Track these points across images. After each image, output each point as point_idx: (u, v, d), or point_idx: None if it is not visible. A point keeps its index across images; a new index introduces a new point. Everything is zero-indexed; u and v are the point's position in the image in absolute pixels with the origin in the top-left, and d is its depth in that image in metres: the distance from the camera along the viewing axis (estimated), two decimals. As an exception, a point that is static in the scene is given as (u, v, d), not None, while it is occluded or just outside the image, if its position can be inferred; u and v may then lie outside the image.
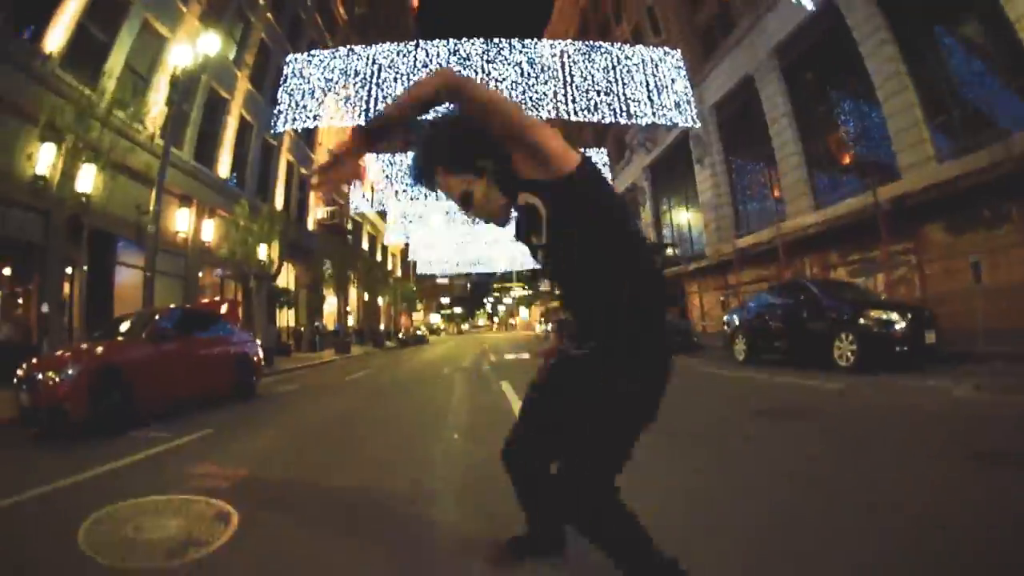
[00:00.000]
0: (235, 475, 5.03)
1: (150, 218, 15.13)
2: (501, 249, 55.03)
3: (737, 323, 15.20)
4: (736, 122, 29.04)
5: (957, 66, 17.11)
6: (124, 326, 10.47)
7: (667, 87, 27.47)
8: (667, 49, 28.52)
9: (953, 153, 16.64)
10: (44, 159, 13.79)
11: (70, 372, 7.86)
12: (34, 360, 8.82)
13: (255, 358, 12.76)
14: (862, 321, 11.11)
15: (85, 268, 15.78)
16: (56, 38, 15.60)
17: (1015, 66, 14.81)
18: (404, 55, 26.99)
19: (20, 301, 15.28)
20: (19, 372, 8.28)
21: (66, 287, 15.74)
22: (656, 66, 27.67)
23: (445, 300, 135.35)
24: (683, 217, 36.19)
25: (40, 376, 7.84)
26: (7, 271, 15.10)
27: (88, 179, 13.65)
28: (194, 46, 16.15)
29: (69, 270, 15.73)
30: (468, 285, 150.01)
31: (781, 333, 13.43)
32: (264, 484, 4.76)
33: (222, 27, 23.43)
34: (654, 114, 27.18)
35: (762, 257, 24.75)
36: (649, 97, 27.30)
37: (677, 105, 27.37)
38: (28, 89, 14.46)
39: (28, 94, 14.36)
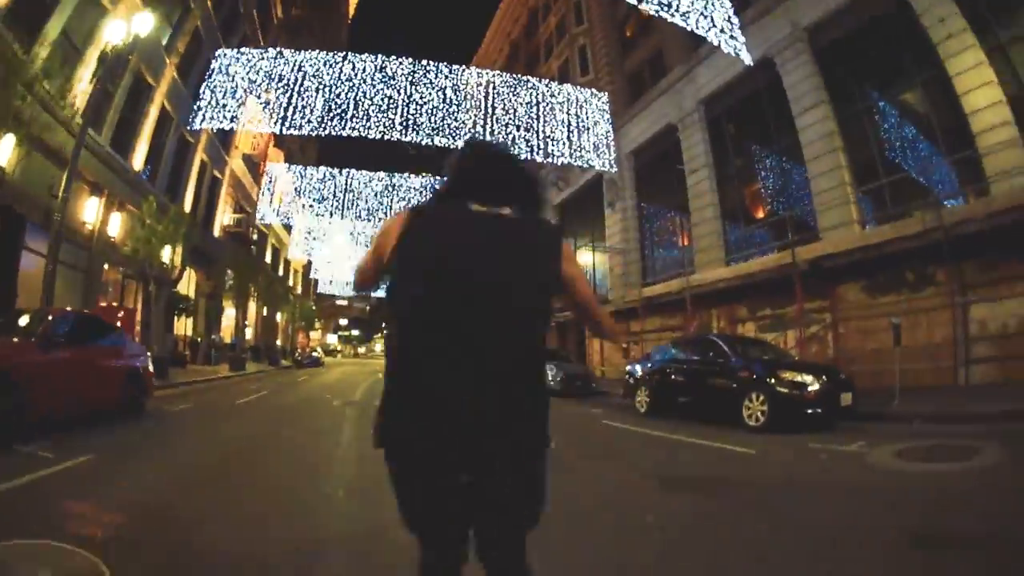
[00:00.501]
0: (113, 520, 4.52)
1: (58, 204, 14.10)
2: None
3: (640, 374, 14.83)
4: (652, 169, 29.58)
5: (890, 132, 17.74)
6: (23, 320, 9.78)
7: (588, 129, 27.53)
8: (595, 91, 28.63)
9: (878, 218, 17.29)
10: None
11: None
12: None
13: (147, 374, 12.13)
14: (773, 382, 10.85)
15: None
16: None
17: (956, 138, 15.39)
18: (331, 66, 26.29)
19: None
20: None
21: None
22: (581, 106, 27.78)
23: (344, 321, 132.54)
24: (588, 259, 36.17)
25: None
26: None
27: (6, 149, 12.72)
28: (129, 23, 15.31)
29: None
30: (368, 308, 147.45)
31: (687, 388, 13.15)
32: (141, 536, 4.23)
33: (162, 7, 22.47)
34: (571, 154, 27.14)
35: (668, 306, 24.89)
36: (568, 137, 27.32)
37: (596, 147, 27.56)
38: None
39: None
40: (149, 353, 13.24)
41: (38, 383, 8.21)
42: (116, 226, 21.48)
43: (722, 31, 19.27)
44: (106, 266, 22.05)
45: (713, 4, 19.45)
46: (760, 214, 23.01)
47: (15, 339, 8.81)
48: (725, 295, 21.54)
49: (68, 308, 12.77)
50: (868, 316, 16.53)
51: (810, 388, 10.60)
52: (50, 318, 9.57)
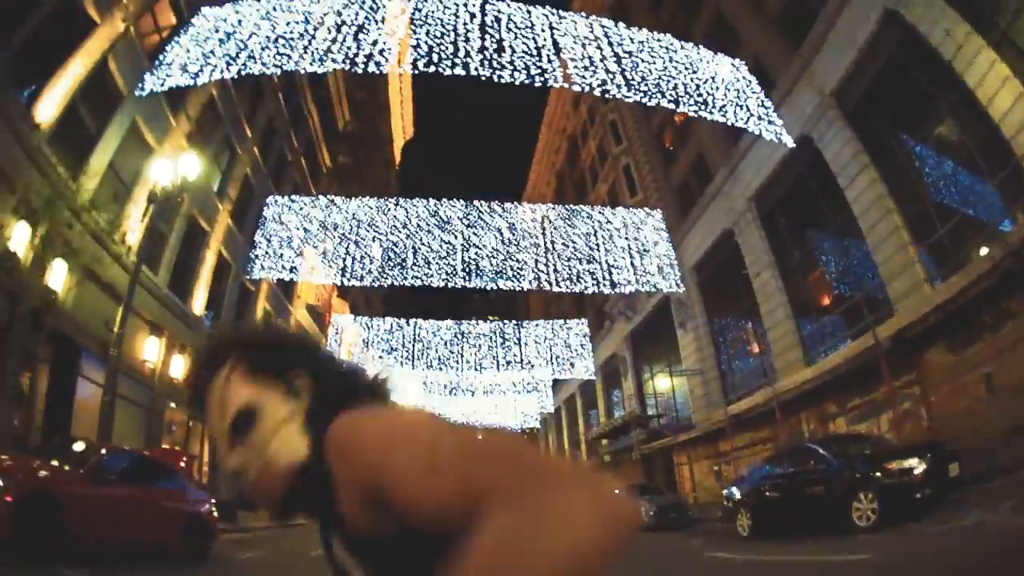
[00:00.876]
0: None
1: (114, 338, 14.16)
2: (483, 420, 53.71)
3: (738, 496, 14.47)
4: (717, 281, 28.94)
5: (934, 174, 17.18)
6: (78, 446, 10.06)
7: (648, 251, 27.00)
8: (648, 210, 28.36)
9: (945, 270, 16.25)
10: (17, 237, 13.12)
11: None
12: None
13: (210, 519, 12.15)
14: (879, 475, 10.41)
15: (48, 371, 14.95)
16: (48, 110, 14.94)
17: (993, 155, 14.76)
18: (384, 212, 26.69)
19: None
20: None
21: (26, 382, 14.40)
22: (638, 228, 27.35)
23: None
24: (666, 384, 34.92)
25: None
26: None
27: (59, 276, 13.40)
28: (176, 165, 15.75)
29: (30, 365, 14.55)
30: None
31: (789, 503, 12.70)
32: None
33: (208, 153, 23.15)
34: (637, 280, 26.53)
35: (756, 419, 23.61)
36: (631, 263, 26.76)
37: (660, 269, 26.92)
38: (13, 152, 13.68)
39: (11, 158, 13.62)
40: (213, 499, 13.27)
41: (85, 513, 8.37)
42: (179, 368, 21.75)
43: (759, 118, 19.11)
44: (172, 404, 22.07)
45: (745, 92, 19.39)
46: (830, 301, 22.08)
47: (67, 467, 8.93)
48: (811, 396, 20.24)
49: (126, 447, 12.77)
50: (957, 374, 15.21)
51: (916, 471, 10.07)
52: (103, 452, 9.70)
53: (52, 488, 8.10)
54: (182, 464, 14.03)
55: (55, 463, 8.90)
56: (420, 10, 18.48)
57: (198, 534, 11.31)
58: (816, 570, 8.14)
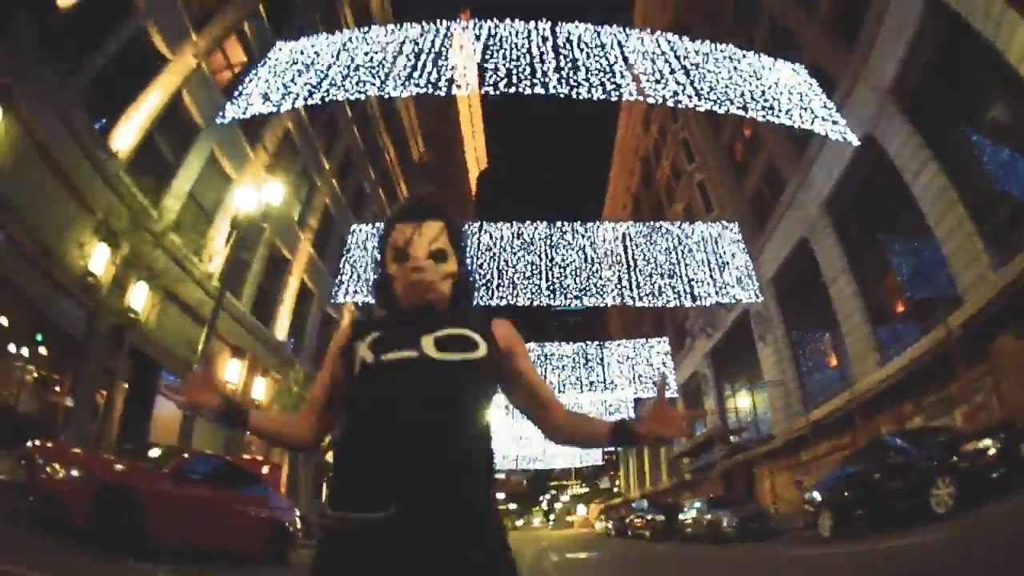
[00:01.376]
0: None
1: (198, 357, 14.85)
2: (559, 446, 53.71)
3: (819, 499, 14.58)
4: (794, 292, 28.56)
5: (991, 162, 16.89)
6: (154, 452, 10.48)
7: (728, 263, 26.95)
8: (724, 222, 28.38)
9: (1008, 256, 15.68)
10: (97, 258, 13.70)
11: (74, 473, 7.69)
12: (48, 443, 8.89)
13: (291, 527, 12.46)
14: (956, 459, 10.41)
15: (126, 386, 15.45)
16: (125, 139, 15.46)
17: None
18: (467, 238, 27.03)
19: (58, 388, 14.28)
20: (28, 445, 8.22)
21: (102, 395, 14.94)
22: (716, 242, 27.32)
23: (500, 495, 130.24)
24: (747, 400, 34.51)
25: (42, 462, 7.75)
26: (45, 351, 13.93)
27: (140, 296, 13.89)
28: (258, 192, 16.26)
29: (108, 379, 15.07)
30: (525, 482, 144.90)
31: (869, 497, 12.71)
32: None
33: (288, 182, 23.56)
34: (717, 293, 26.48)
35: (834, 427, 23.40)
36: (711, 276, 26.75)
37: (739, 280, 26.72)
38: (91, 180, 14.18)
39: (89, 184, 14.10)
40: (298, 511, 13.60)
41: (164, 510, 8.66)
42: (261, 390, 22.30)
43: (823, 119, 19.17)
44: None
45: (807, 95, 19.52)
46: (903, 300, 21.70)
47: (146, 465, 9.45)
48: (888, 397, 19.85)
49: (209, 451, 13.28)
50: (1025, 360, 14.88)
51: (991, 452, 10.16)
52: (185, 456, 10.21)
53: (129, 482, 8.38)
54: (264, 471, 14.66)
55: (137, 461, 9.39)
56: (494, 36, 19.19)
57: (278, 540, 11.67)
58: (883, 555, 8.31)
